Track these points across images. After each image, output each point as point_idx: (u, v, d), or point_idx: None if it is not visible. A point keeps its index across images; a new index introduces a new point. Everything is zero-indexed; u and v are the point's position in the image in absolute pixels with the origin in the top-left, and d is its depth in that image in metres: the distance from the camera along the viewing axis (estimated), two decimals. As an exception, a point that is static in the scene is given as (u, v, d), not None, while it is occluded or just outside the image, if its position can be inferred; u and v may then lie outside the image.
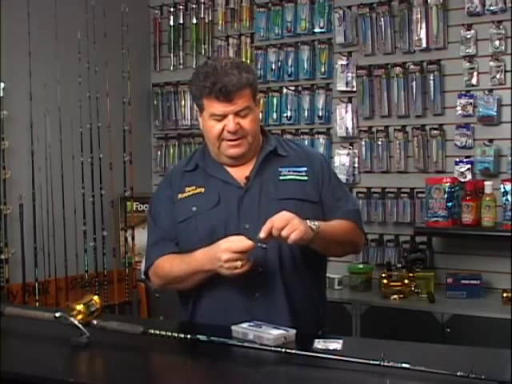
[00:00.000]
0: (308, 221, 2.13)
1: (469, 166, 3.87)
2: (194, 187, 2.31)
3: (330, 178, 2.37)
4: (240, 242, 2.10)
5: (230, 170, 2.32)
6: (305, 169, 2.32)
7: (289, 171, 2.31)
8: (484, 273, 3.76)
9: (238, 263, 2.09)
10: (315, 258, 2.32)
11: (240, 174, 2.31)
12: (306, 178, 2.31)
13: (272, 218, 2.09)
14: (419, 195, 4.00)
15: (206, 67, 2.26)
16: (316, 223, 2.15)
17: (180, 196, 2.32)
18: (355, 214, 2.39)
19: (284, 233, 2.06)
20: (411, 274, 3.76)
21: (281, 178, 2.30)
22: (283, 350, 1.85)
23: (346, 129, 4.22)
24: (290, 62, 4.40)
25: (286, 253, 2.24)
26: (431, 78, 3.98)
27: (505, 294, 3.56)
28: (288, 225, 2.07)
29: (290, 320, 2.18)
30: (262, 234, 2.08)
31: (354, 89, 4.21)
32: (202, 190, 2.30)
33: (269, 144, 2.35)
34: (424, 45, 3.97)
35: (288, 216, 2.09)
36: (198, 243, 2.24)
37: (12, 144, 4.01)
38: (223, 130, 2.23)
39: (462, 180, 3.83)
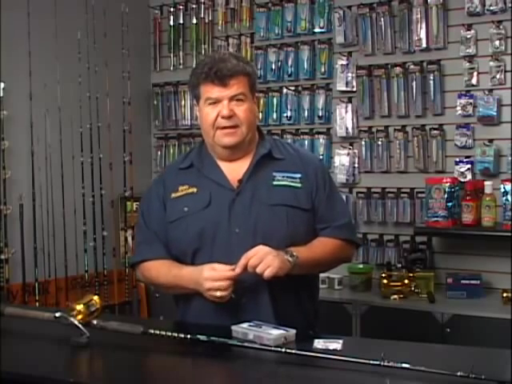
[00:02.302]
0: (285, 253, 2.15)
1: (469, 166, 3.87)
2: (186, 186, 2.31)
3: (324, 187, 2.36)
4: (223, 272, 2.10)
5: (224, 170, 2.31)
6: (299, 175, 2.31)
7: (283, 177, 2.30)
8: (484, 273, 3.76)
9: (218, 293, 2.11)
10: None
11: (234, 174, 2.30)
12: (299, 185, 2.30)
13: (247, 253, 2.12)
14: (419, 195, 4.00)
15: (205, 58, 2.37)
16: (294, 254, 2.17)
17: (173, 195, 2.32)
18: (348, 228, 2.39)
19: (258, 270, 2.10)
20: (411, 274, 3.76)
21: (274, 183, 2.29)
22: (283, 350, 1.85)
23: (346, 129, 4.22)
24: (290, 62, 4.40)
25: None
26: (431, 78, 3.98)
27: (505, 294, 3.56)
28: (262, 262, 2.09)
29: (276, 323, 2.14)
30: (238, 270, 2.11)
31: (354, 89, 4.21)
32: (195, 189, 2.30)
33: (264, 146, 2.35)
34: (424, 45, 3.97)
35: (262, 252, 2.11)
36: (187, 244, 2.26)
37: (12, 144, 4.00)
38: (217, 116, 2.24)
39: (462, 180, 3.83)
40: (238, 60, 2.30)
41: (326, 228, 2.33)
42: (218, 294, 2.11)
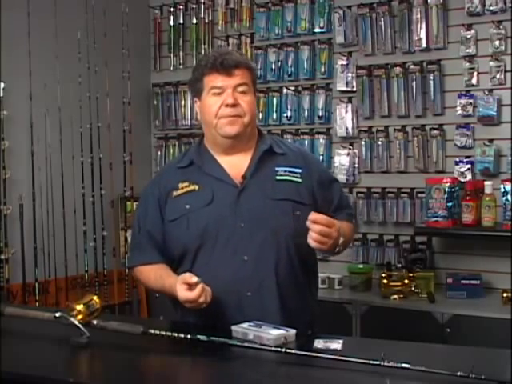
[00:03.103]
0: (341, 240, 2.19)
1: (469, 165, 3.87)
2: (187, 184, 2.31)
3: (330, 183, 2.42)
4: (196, 293, 2.08)
5: (224, 166, 2.32)
6: (299, 170, 2.34)
7: (285, 171, 2.32)
8: (484, 273, 3.76)
9: (202, 306, 2.12)
10: (309, 260, 2.35)
11: (235, 170, 2.30)
12: (300, 180, 2.32)
13: (331, 220, 2.14)
14: (419, 195, 4.00)
15: (208, 53, 2.52)
16: (341, 247, 2.23)
17: (174, 194, 2.32)
18: (353, 217, 2.54)
19: (316, 238, 2.10)
20: (411, 274, 3.76)
21: (277, 177, 2.31)
22: (283, 350, 1.85)
23: (346, 129, 4.22)
24: (290, 62, 4.40)
25: (282, 252, 2.25)
26: (431, 78, 3.98)
27: (505, 294, 3.56)
28: (326, 238, 2.12)
29: (281, 319, 2.18)
30: (312, 216, 2.10)
31: (354, 89, 4.21)
32: (196, 187, 2.31)
33: (264, 143, 2.37)
34: (424, 45, 3.97)
35: (336, 233, 2.14)
36: (189, 241, 2.27)
37: (12, 144, 4.00)
38: (221, 106, 2.26)
39: (462, 180, 3.83)
40: (241, 54, 2.42)
41: (341, 214, 2.40)
42: (203, 306, 2.12)
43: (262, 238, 2.22)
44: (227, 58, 2.26)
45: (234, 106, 2.25)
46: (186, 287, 2.10)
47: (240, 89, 2.27)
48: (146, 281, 2.37)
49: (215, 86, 2.27)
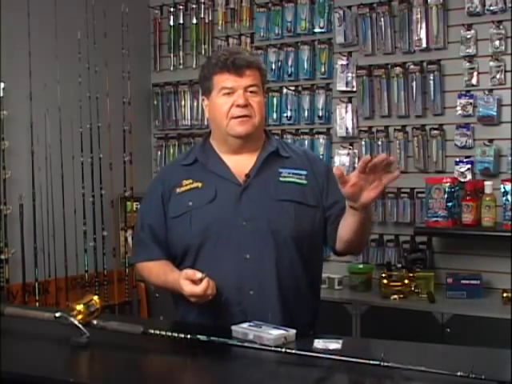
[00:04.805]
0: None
1: (469, 165, 3.86)
2: (191, 181, 2.32)
3: (336, 183, 2.40)
4: (202, 287, 2.10)
5: (230, 165, 2.32)
6: (305, 173, 2.34)
7: (289, 173, 2.32)
8: (484, 273, 3.76)
9: (207, 299, 2.13)
10: (312, 259, 2.35)
11: (240, 170, 2.31)
12: (305, 182, 2.32)
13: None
14: (419, 195, 4.00)
15: (218, 51, 2.47)
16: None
17: (178, 190, 2.32)
18: None
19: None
20: (411, 274, 3.76)
21: (281, 179, 2.31)
22: (283, 350, 1.85)
23: (346, 129, 4.22)
24: (290, 62, 4.40)
25: (283, 252, 2.25)
26: (431, 78, 3.97)
27: (505, 294, 3.56)
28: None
29: (282, 318, 2.19)
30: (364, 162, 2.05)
31: (354, 89, 4.21)
32: (200, 184, 2.31)
33: (270, 144, 2.37)
34: (424, 45, 3.97)
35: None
36: (191, 238, 2.27)
37: (12, 144, 4.01)
38: (232, 106, 2.26)
39: (462, 180, 3.83)
40: (251, 54, 2.42)
41: None
42: (209, 298, 2.14)
43: (264, 237, 2.22)
44: (238, 58, 2.25)
45: (245, 106, 2.25)
46: (190, 282, 2.11)
47: (250, 89, 2.27)
48: (149, 276, 2.38)
49: (226, 87, 2.26)
